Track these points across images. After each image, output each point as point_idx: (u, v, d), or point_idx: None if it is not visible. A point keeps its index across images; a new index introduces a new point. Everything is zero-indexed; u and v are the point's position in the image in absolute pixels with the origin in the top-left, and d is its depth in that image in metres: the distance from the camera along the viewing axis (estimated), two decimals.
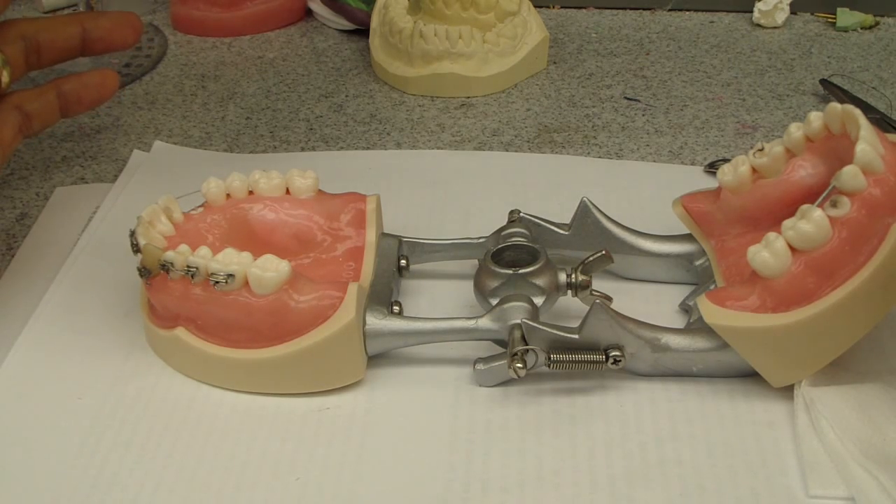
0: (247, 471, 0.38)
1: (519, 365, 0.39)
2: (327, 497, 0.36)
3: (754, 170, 0.44)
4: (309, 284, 0.40)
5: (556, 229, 0.46)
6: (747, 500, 0.36)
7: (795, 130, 0.43)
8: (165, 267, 0.40)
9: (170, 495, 0.37)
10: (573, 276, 0.43)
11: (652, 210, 0.51)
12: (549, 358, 0.40)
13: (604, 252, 0.43)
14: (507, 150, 0.59)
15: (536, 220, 0.46)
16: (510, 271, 0.42)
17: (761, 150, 0.44)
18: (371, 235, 0.45)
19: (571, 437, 0.39)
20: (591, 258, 0.43)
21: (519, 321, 0.40)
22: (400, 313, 0.42)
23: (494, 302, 0.42)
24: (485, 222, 0.50)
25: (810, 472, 0.36)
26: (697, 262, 0.46)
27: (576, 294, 0.43)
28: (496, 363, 0.41)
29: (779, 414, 0.40)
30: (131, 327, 0.45)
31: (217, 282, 0.39)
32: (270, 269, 0.39)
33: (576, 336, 0.40)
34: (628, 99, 0.64)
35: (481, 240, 0.46)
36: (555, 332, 0.40)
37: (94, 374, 0.42)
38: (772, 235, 0.39)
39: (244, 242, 0.43)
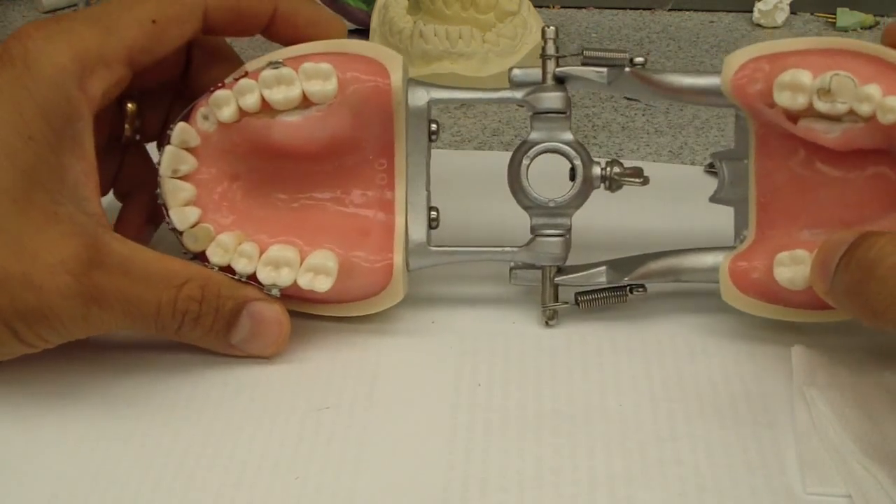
0: (246, 469, 0.37)
1: (552, 320, 0.44)
2: (326, 496, 0.36)
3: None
4: (355, 274, 0.42)
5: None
6: (747, 499, 0.36)
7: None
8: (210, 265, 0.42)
9: (169, 493, 0.36)
10: (607, 169, 0.44)
11: (652, 210, 0.51)
12: (577, 300, 0.44)
13: (643, 177, 0.44)
14: (507, 150, 0.59)
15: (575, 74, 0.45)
16: (545, 199, 0.44)
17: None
18: (400, 127, 0.43)
19: (571, 436, 0.39)
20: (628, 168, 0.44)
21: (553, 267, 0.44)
22: (437, 224, 0.44)
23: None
24: (485, 222, 0.50)
25: (809, 470, 0.36)
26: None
27: (609, 187, 0.44)
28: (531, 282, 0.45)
29: (779, 414, 0.39)
30: None
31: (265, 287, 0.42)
32: (319, 277, 0.41)
33: (604, 280, 0.44)
34: (628, 99, 0.64)
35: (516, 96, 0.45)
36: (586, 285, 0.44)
37: (93, 370, 0.42)
38: (801, 254, 0.40)
39: (270, 161, 0.43)
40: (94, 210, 0.39)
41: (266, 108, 0.41)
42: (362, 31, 0.74)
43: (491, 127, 0.61)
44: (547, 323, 0.44)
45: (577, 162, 0.44)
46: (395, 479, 0.37)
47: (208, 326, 0.40)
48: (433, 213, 0.44)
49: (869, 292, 0.35)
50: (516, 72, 0.45)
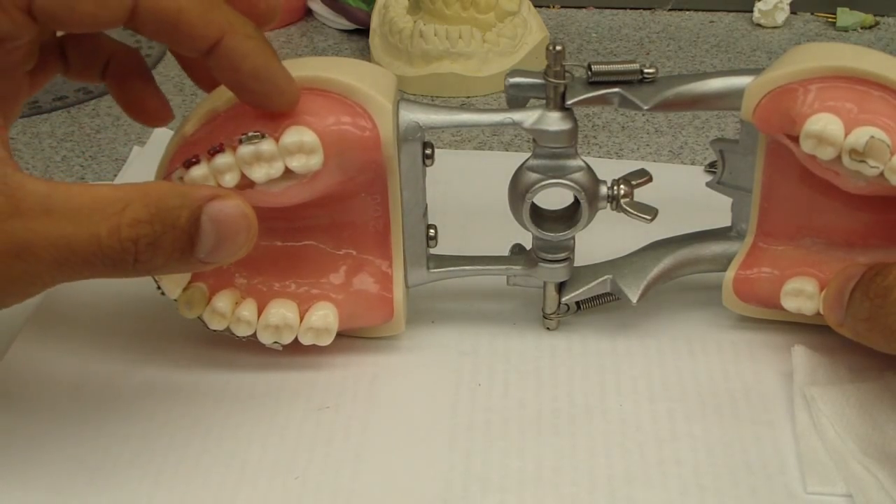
0: (246, 469, 0.37)
1: (553, 325, 0.44)
2: (326, 496, 0.36)
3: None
4: (356, 318, 0.42)
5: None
6: (746, 499, 0.36)
7: None
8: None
9: (169, 492, 0.37)
10: (614, 188, 0.42)
11: None
12: (578, 305, 0.45)
13: (652, 214, 0.43)
14: (507, 150, 0.59)
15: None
16: (551, 235, 0.42)
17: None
18: (393, 166, 0.40)
19: (571, 436, 0.39)
20: (633, 176, 0.43)
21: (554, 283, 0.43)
22: (435, 243, 0.43)
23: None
24: (485, 222, 0.50)
25: (809, 470, 0.36)
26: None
27: (616, 207, 0.43)
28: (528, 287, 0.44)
29: (779, 413, 0.40)
30: (132, 321, 0.45)
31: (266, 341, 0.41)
32: (321, 335, 0.41)
33: (607, 289, 0.44)
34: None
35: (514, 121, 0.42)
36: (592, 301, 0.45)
37: (94, 368, 0.42)
38: (810, 289, 0.40)
39: (257, 213, 0.41)
40: None
41: (246, 181, 0.38)
42: (362, 31, 0.74)
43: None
44: (548, 328, 0.44)
45: (583, 200, 0.41)
46: (395, 479, 0.37)
47: (169, 247, 0.34)
48: (431, 232, 0.43)
49: (886, 317, 0.35)
50: (512, 80, 0.42)
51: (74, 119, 0.63)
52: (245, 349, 0.42)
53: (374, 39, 0.69)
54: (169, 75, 0.68)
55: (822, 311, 0.40)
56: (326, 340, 0.41)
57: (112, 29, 0.36)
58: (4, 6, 0.34)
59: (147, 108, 0.43)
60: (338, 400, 0.41)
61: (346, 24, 0.75)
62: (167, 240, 0.34)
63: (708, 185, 0.45)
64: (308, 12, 0.78)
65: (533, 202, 0.42)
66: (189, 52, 0.36)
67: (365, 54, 0.71)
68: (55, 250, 0.32)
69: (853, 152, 0.37)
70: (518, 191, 0.42)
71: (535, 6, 0.69)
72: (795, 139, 0.38)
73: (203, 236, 0.34)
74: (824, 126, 0.37)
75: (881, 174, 0.37)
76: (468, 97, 0.65)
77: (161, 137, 0.60)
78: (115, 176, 0.56)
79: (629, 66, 0.41)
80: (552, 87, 0.40)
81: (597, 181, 0.42)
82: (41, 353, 0.43)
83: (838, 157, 0.37)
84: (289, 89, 0.37)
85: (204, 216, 0.34)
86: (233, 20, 0.36)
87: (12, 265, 0.32)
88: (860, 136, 0.36)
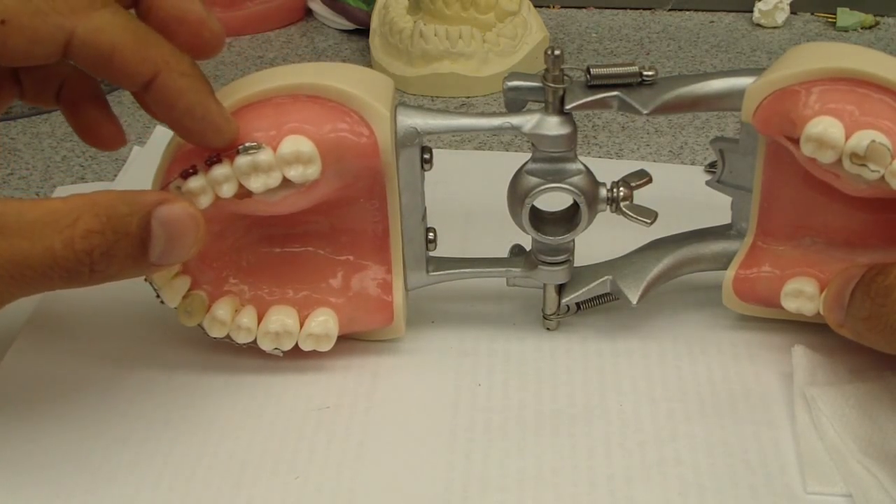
0: (246, 469, 0.37)
1: (553, 325, 0.44)
2: (326, 496, 0.36)
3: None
4: (356, 322, 0.42)
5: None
6: (746, 499, 0.36)
7: None
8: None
9: (169, 492, 0.37)
10: (614, 191, 0.42)
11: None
12: (579, 305, 0.44)
13: (652, 217, 0.43)
14: (507, 151, 0.59)
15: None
16: (551, 239, 0.42)
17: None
18: (391, 173, 0.40)
19: (571, 436, 0.39)
20: (632, 178, 0.43)
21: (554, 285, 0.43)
22: (435, 246, 0.43)
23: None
24: (485, 222, 0.50)
25: (809, 469, 0.36)
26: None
27: (616, 210, 0.42)
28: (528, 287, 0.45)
29: (779, 413, 0.40)
30: (131, 322, 0.45)
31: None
32: (321, 341, 0.41)
33: (607, 289, 0.44)
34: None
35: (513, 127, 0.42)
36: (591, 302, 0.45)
37: (94, 369, 0.42)
38: (810, 289, 0.40)
39: (255, 221, 0.42)
40: None
41: (244, 192, 0.38)
42: (362, 32, 0.74)
43: None
44: (548, 329, 0.44)
45: (583, 203, 0.41)
46: (395, 479, 0.37)
47: (123, 254, 0.34)
48: (430, 235, 0.43)
49: (887, 316, 0.36)
50: (511, 83, 0.41)
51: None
52: (245, 352, 0.42)
53: (374, 39, 0.69)
54: None
55: (822, 312, 0.40)
56: (326, 346, 0.41)
57: (49, 62, 0.36)
58: None
59: (100, 133, 0.42)
60: (338, 400, 0.41)
61: (346, 25, 0.75)
62: (120, 247, 0.34)
63: (708, 183, 0.45)
64: (308, 12, 0.78)
65: (532, 204, 0.42)
66: (126, 87, 0.36)
67: (365, 54, 0.71)
68: (11, 267, 0.33)
69: (854, 156, 0.36)
70: (517, 195, 0.42)
71: (535, 6, 0.69)
72: (796, 141, 0.38)
73: (154, 240, 0.35)
74: (825, 129, 0.37)
75: (882, 178, 0.37)
76: (468, 97, 0.65)
77: (161, 138, 0.60)
78: (115, 176, 0.56)
79: (628, 68, 0.41)
80: (551, 92, 0.40)
81: (596, 184, 0.42)
82: (40, 355, 0.43)
83: (839, 161, 0.37)
84: (225, 127, 0.37)
85: (153, 220, 0.35)
86: (168, 57, 0.36)
87: None
88: (861, 139, 0.36)
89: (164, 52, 0.36)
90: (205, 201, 0.38)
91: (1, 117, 0.58)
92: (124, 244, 0.34)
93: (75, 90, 0.42)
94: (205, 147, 0.37)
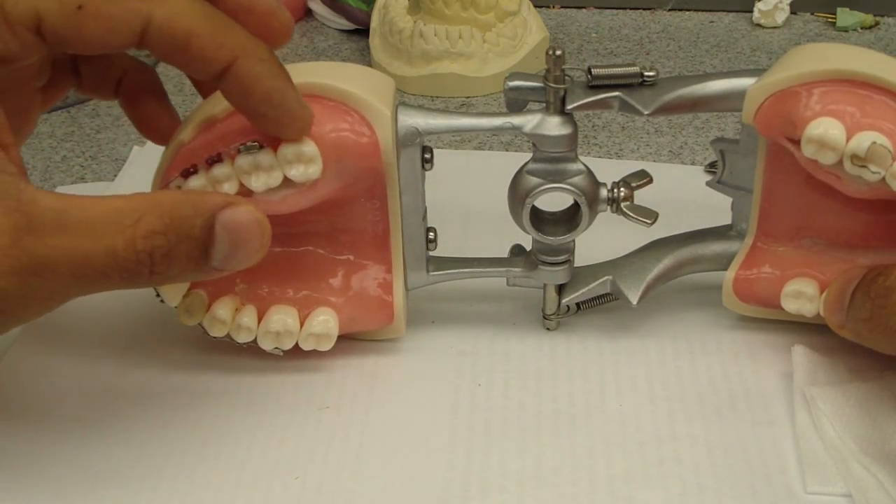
0: (246, 470, 0.37)
1: (553, 325, 0.44)
2: (327, 496, 0.36)
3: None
4: (356, 322, 0.42)
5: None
6: (746, 499, 0.36)
7: None
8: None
9: (170, 493, 0.37)
10: (614, 191, 0.42)
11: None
12: (578, 306, 0.44)
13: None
14: (507, 151, 0.59)
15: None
16: (551, 239, 0.42)
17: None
18: (392, 173, 0.40)
19: (571, 436, 0.39)
20: (633, 178, 0.43)
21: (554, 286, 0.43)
22: (435, 245, 0.43)
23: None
24: (485, 222, 0.50)
25: (809, 469, 0.36)
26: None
27: (616, 210, 0.42)
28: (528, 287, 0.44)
29: (779, 413, 0.40)
30: (131, 323, 0.45)
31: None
32: (322, 341, 0.41)
33: (607, 290, 0.44)
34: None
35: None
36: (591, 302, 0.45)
37: (94, 371, 0.42)
38: (810, 291, 0.40)
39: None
40: (7, 168, 0.33)
41: (245, 191, 0.38)
42: (362, 32, 0.74)
43: None
44: (548, 329, 0.44)
45: (583, 204, 0.41)
46: (395, 479, 0.37)
47: (184, 257, 0.34)
48: (430, 235, 0.43)
49: (888, 317, 0.36)
50: (512, 83, 0.41)
51: (74, 119, 0.63)
52: (245, 351, 0.42)
53: (374, 39, 0.69)
54: (169, 75, 0.68)
55: (822, 314, 0.40)
56: (327, 346, 0.41)
57: (123, 50, 0.35)
58: (14, 27, 0.33)
59: (159, 126, 0.42)
60: (338, 400, 0.41)
61: (346, 24, 0.75)
62: (182, 250, 0.33)
63: (708, 184, 0.45)
64: (308, 12, 0.78)
65: (533, 205, 0.42)
66: (200, 76, 0.35)
67: (365, 54, 0.71)
68: (72, 265, 0.32)
69: (854, 157, 0.36)
70: (518, 195, 0.42)
71: (535, 6, 0.69)
72: (797, 143, 0.38)
73: (217, 244, 0.34)
74: (825, 131, 0.37)
75: (882, 179, 0.37)
76: (468, 97, 0.65)
77: None
78: (115, 176, 0.56)
79: (629, 69, 0.41)
80: (552, 92, 0.40)
81: (597, 184, 0.42)
82: (40, 355, 0.43)
83: (839, 162, 0.37)
84: (301, 115, 0.37)
85: (217, 224, 0.34)
86: (245, 43, 0.35)
87: (30, 282, 0.32)
88: (862, 141, 0.36)
89: (241, 38, 0.35)
90: None
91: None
92: (186, 247, 0.33)
93: (135, 83, 0.42)
94: (278, 136, 0.37)
